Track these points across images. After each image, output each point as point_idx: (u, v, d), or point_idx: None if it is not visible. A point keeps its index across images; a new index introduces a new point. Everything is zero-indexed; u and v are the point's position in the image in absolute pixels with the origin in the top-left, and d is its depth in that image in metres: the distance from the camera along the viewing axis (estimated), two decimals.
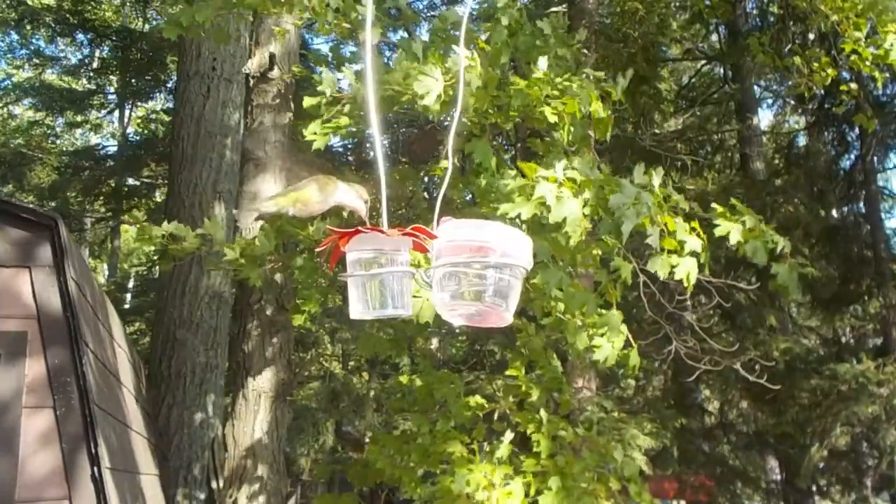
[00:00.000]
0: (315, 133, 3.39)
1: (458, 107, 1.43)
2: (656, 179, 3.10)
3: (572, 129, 3.32)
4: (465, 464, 3.94)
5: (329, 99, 3.41)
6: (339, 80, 3.67)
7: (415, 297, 1.16)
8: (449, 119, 3.74)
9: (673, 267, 3.12)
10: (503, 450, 4.06)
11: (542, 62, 3.32)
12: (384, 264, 1.06)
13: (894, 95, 10.25)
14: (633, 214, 2.88)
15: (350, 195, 1.55)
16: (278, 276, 5.30)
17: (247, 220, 3.56)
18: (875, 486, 10.04)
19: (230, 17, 3.80)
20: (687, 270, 3.13)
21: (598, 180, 3.05)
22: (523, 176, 3.13)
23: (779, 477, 10.82)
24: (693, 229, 3.20)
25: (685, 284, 3.14)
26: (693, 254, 3.15)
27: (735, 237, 3.22)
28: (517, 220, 3.00)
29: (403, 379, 4.69)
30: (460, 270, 1.08)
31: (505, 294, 1.10)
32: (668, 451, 9.75)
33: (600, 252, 3.57)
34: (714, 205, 3.31)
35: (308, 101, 3.47)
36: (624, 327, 3.53)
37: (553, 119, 3.21)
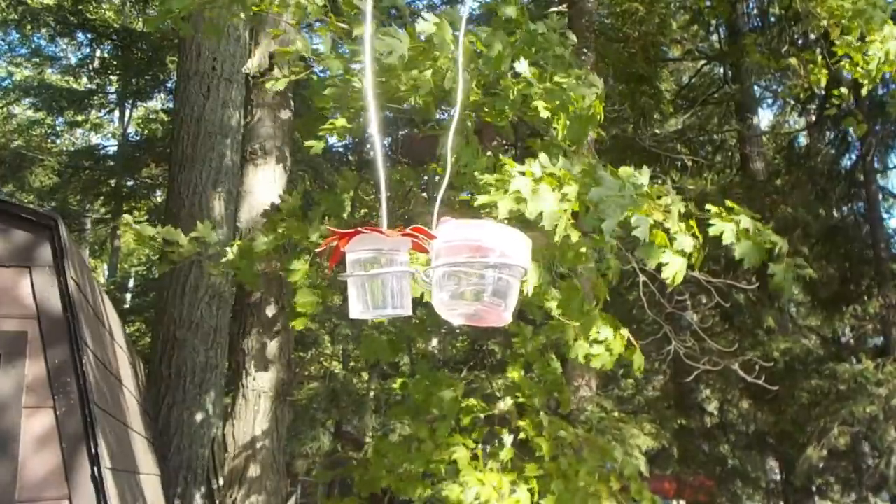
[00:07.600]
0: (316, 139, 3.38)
1: (458, 106, 1.43)
2: (645, 178, 3.03)
3: (568, 123, 3.30)
4: (471, 470, 3.93)
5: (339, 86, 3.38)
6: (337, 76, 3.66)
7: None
8: (448, 115, 3.73)
9: (662, 264, 3.05)
10: (505, 454, 4.05)
11: (524, 64, 3.28)
12: (384, 264, 1.07)
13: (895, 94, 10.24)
14: (616, 209, 2.80)
15: None
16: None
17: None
18: (874, 485, 10.03)
19: (221, 13, 3.79)
20: (675, 270, 3.05)
21: (581, 174, 3.00)
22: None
23: (779, 477, 10.82)
24: (690, 227, 3.14)
25: (669, 284, 3.08)
26: (682, 253, 3.08)
27: (729, 237, 3.16)
28: (497, 217, 2.97)
29: (401, 382, 4.68)
30: (459, 270, 1.09)
31: (503, 294, 1.10)
32: (668, 451, 9.75)
33: (591, 249, 3.52)
34: (709, 205, 3.26)
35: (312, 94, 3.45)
36: (625, 331, 3.52)
37: (545, 114, 3.19)
